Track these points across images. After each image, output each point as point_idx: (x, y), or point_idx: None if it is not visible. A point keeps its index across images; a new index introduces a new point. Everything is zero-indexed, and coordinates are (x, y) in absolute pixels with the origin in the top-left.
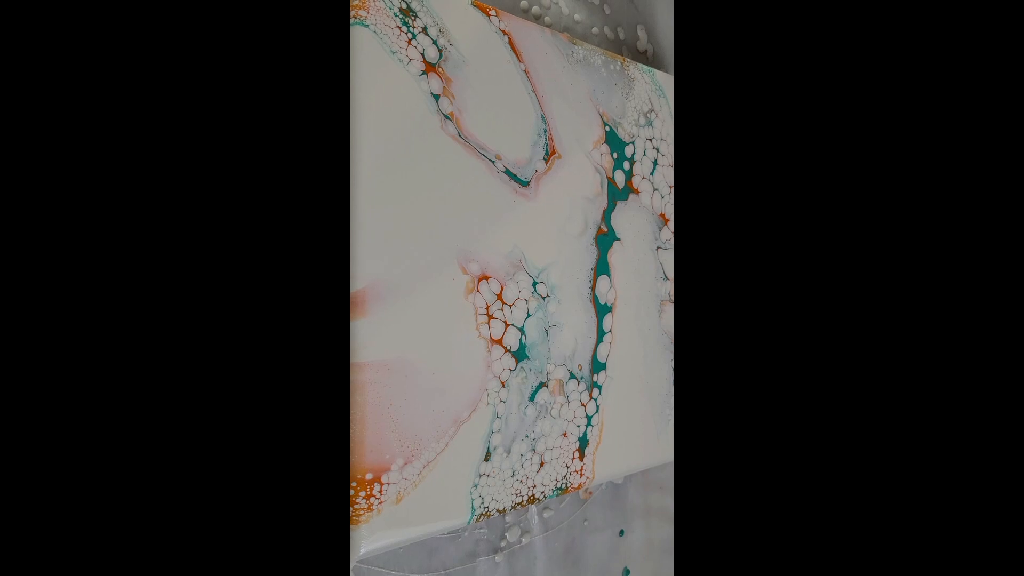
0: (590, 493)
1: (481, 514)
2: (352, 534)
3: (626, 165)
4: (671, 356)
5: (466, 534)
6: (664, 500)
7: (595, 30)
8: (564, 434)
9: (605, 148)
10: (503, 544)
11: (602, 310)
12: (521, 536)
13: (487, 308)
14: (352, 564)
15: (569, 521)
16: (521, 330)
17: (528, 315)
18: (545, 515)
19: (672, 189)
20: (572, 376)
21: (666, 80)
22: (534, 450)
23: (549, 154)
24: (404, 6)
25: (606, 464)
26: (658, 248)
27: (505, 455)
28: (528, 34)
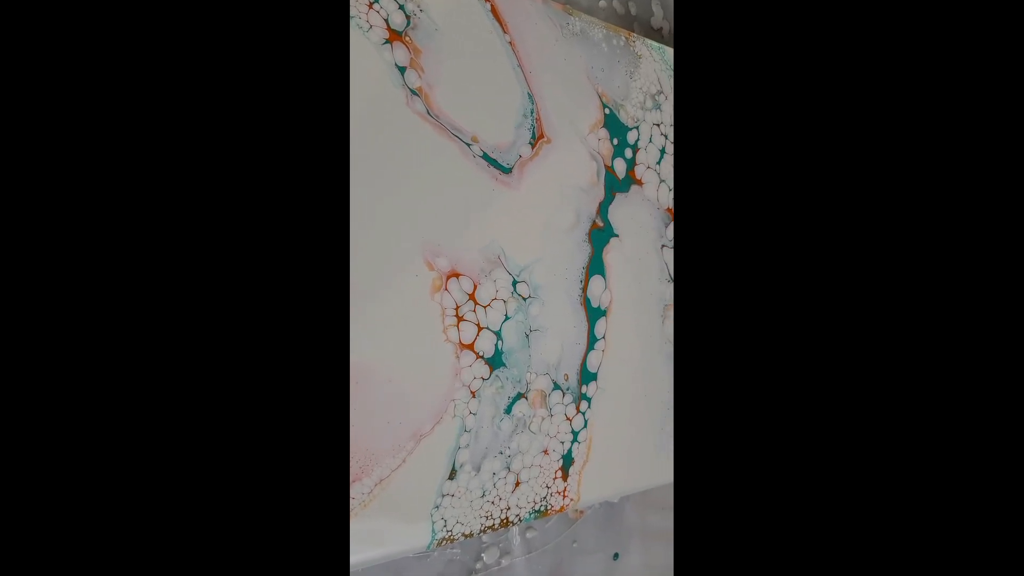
0: (581, 512)
1: (444, 538)
2: None
3: (628, 153)
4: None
5: (435, 554)
6: (665, 521)
7: (602, 3)
8: (545, 451)
9: (603, 133)
10: (479, 566)
11: (594, 314)
12: (500, 558)
13: (456, 309)
14: None
15: (556, 542)
16: (497, 334)
17: (506, 318)
18: (528, 535)
19: None
20: (556, 387)
21: None
22: (509, 468)
23: (536, 138)
24: None
25: (594, 485)
26: (663, 247)
27: (474, 473)
28: (515, 2)
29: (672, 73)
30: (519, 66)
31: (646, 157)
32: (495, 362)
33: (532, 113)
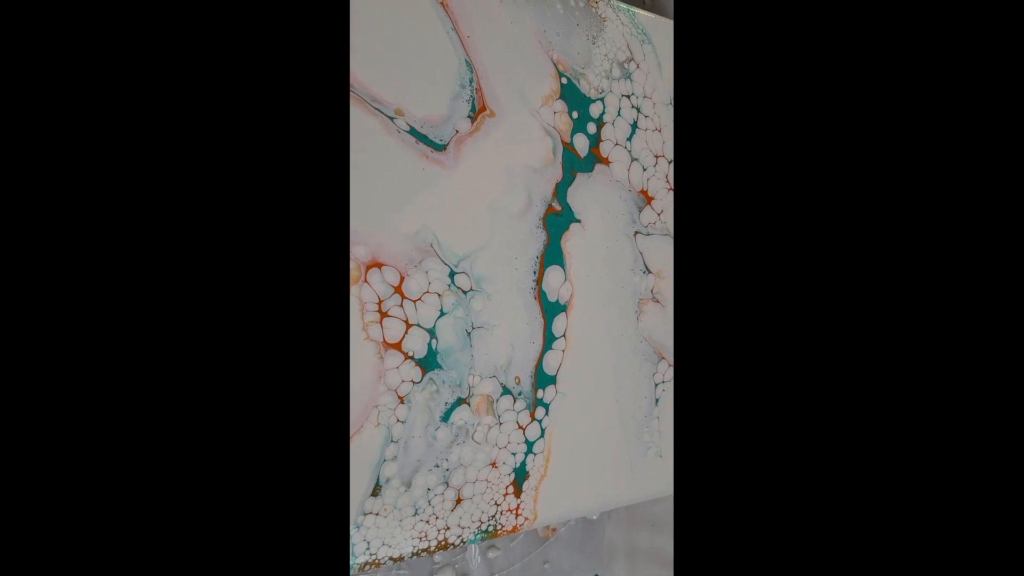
0: (553, 530)
1: (368, 562)
2: None
3: (591, 128)
4: (655, 369)
5: (379, 575)
6: (655, 539)
7: None
8: (493, 464)
9: (560, 105)
10: None
11: (552, 309)
12: None
13: (379, 304)
14: None
15: (523, 563)
16: (431, 332)
17: (442, 313)
18: (490, 555)
19: (659, 159)
20: (506, 391)
21: (654, 23)
22: (447, 483)
23: (476, 111)
24: None
25: (555, 501)
26: (636, 233)
27: (403, 489)
28: None
29: (645, 39)
30: (454, 29)
31: (614, 132)
32: (428, 363)
33: (471, 83)
